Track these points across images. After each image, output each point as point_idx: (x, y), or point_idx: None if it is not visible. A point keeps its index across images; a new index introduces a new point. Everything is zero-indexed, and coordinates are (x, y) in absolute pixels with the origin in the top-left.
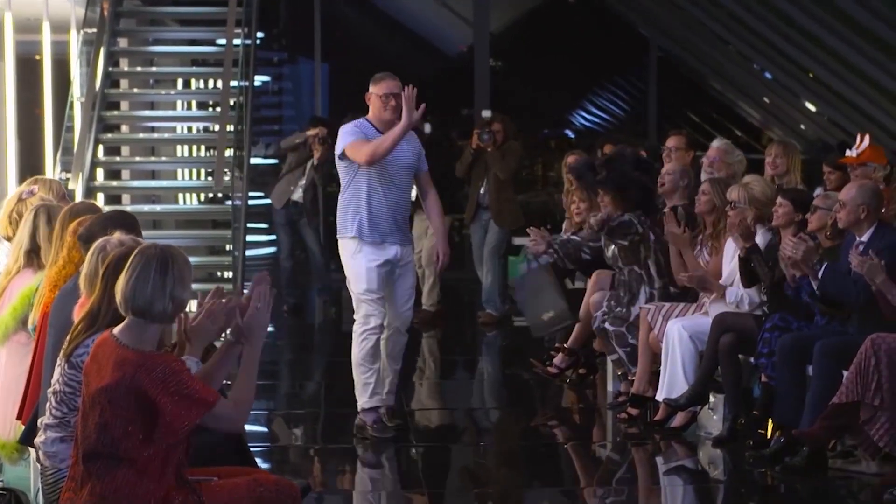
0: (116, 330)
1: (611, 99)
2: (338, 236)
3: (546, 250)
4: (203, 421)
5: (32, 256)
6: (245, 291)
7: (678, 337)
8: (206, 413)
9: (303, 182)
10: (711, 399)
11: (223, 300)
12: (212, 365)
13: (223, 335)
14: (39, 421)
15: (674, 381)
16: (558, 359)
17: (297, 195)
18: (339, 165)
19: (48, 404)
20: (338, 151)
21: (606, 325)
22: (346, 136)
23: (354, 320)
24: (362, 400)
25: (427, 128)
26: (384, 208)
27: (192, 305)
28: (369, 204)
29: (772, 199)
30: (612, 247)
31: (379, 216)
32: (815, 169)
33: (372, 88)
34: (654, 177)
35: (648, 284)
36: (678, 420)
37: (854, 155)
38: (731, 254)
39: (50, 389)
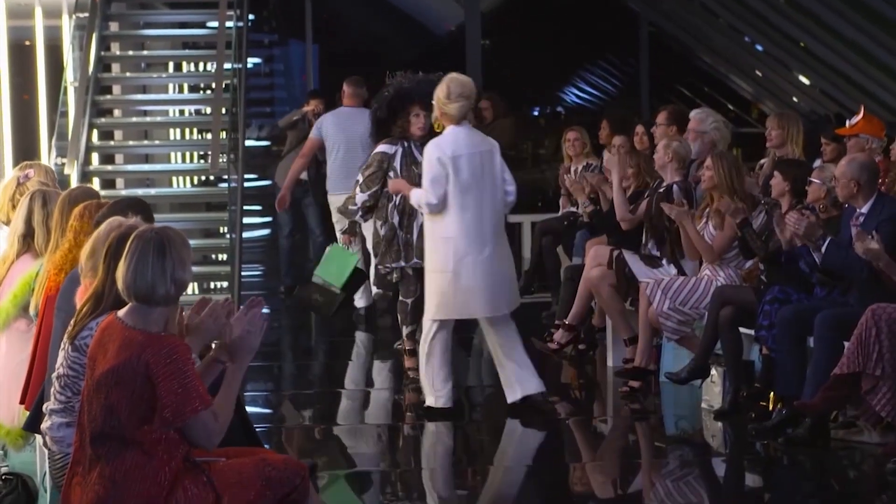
0: (121, 312)
1: (602, 75)
2: None
3: None
4: (185, 425)
5: (29, 241)
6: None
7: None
8: (202, 410)
9: None
10: (713, 372)
11: (225, 303)
12: None
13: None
14: (45, 406)
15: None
16: (558, 335)
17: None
18: None
19: (52, 389)
20: None
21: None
22: None
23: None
24: None
25: None
26: None
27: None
28: None
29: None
30: None
31: None
32: (814, 140)
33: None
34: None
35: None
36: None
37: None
38: None
39: (54, 374)
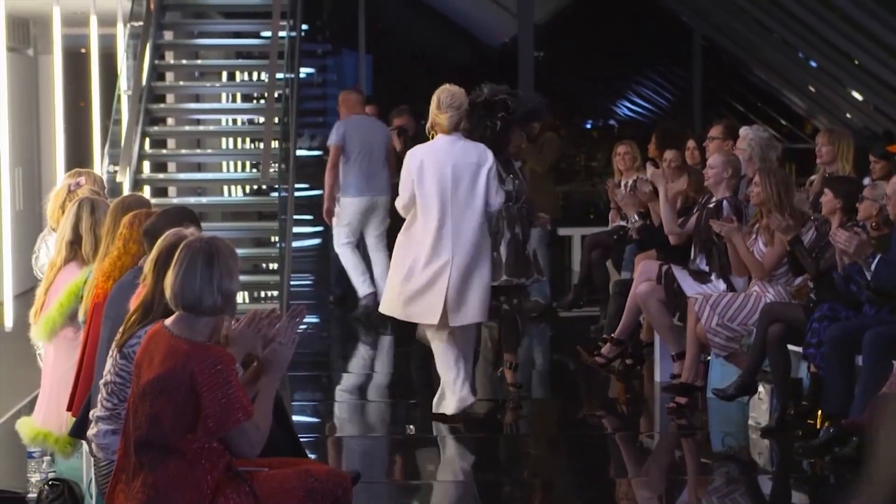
0: (168, 321)
1: (654, 89)
2: None
3: None
4: (228, 435)
5: (75, 248)
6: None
7: None
8: (245, 421)
9: None
10: (760, 389)
11: (266, 311)
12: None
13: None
14: (91, 413)
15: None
16: (605, 349)
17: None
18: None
19: (99, 396)
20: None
21: None
22: None
23: None
24: None
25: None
26: None
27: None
28: None
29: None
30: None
31: None
32: (864, 157)
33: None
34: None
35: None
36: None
37: None
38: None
39: (101, 381)
